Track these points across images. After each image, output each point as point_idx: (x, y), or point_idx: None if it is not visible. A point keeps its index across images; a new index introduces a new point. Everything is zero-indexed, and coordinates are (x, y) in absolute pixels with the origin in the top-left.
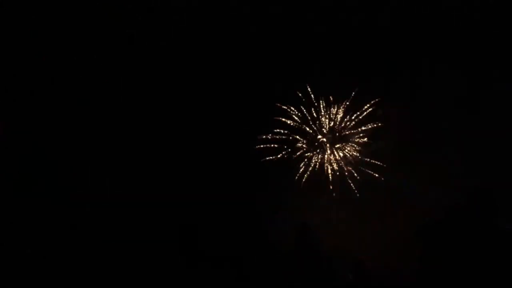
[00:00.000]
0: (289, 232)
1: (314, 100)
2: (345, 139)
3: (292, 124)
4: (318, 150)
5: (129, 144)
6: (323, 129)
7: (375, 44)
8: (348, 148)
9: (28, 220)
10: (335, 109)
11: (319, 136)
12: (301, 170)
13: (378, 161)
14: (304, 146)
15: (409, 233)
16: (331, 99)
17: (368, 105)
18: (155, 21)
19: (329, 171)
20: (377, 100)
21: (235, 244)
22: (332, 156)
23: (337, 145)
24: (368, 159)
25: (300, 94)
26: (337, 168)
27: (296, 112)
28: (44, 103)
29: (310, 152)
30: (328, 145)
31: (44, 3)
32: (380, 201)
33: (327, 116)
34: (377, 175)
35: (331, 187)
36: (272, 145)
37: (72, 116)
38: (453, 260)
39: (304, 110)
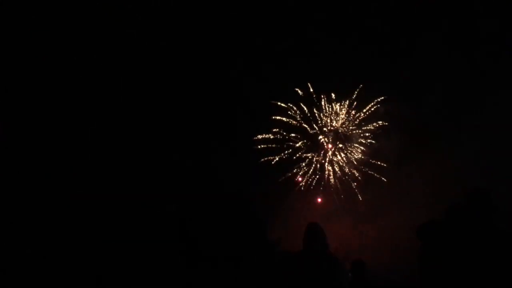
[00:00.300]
0: (289, 233)
1: (315, 98)
2: (347, 139)
3: (291, 123)
4: (319, 150)
5: (127, 144)
6: (324, 129)
7: (377, 41)
8: (350, 149)
9: (28, 220)
10: (337, 108)
11: (320, 136)
12: (301, 171)
13: (380, 162)
14: (304, 146)
15: (409, 233)
16: (333, 96)
17: (372, 103)
18: (155, 21)
19: (330, 172)
20: (383, 98)
21: (235, 244)
22: (333, 156)
23: (339, 145)
24: (370, 160)
25: (299, 92)
26: (338, 169)
27: (297, 111)
28: (44, 103)
29: (310, 153)
30: (329, 145)
31: (44, 3)
32: (380, 201)
33: (328, 115)
34: (379, 176)
35: (331, 188)
36: (271, 145)
37: (72, 116)
38: (453, 260)
39: (305, 109)
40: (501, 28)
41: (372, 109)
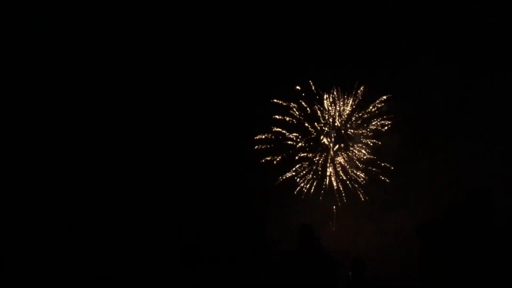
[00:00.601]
0: (289, 233)
1: (317, 97)
2: (349, 139)
3: (291, 122)
4: (320, 150)
5: (125, 143)
6: (326, 128)
7: (380, 38)
8: (352, 148)
9: (27, 219)
10: (339, 106)
11: (322, 136)
12: (302, 171)
13: (382, 162)
14: (305, 145)
15: (409, 233)
16: (335, 94)
17: (377, 101)
18: (154, 21)
19: (332, 172)
20: (389, 96)
21: (234, 244)
22: (335, 156)
23: (341, 145)
24: (373, 159)
25: (299, 88)
26: (340, 168)
27: (298, 110)
28: (44, 100)
29: (311, 153)
30: (331, 145)
31: (44, 2)
32: (381, 201)
33: (330, 114)
34: (381, 177)
35: (334, 188)
36: (271, 146)
37: (72, 115)
38: (453, 260)
39: (307, 108)
40: (503, 27)
41: (374, 108)
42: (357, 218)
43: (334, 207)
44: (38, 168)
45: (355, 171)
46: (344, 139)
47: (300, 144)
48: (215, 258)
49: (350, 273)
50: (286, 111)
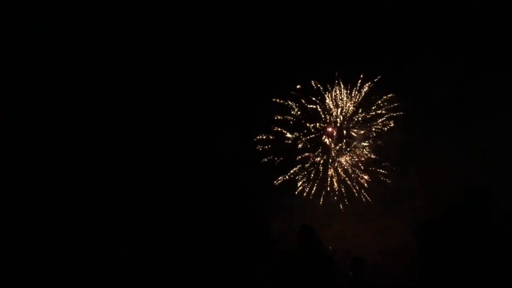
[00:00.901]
0: (289, 233)
1: (319, 96)
2: (351, 138)
3: (292, 122)
4: (322, 150)
5: (126, 143)
6: (329, 129)
7: (381, 38)
8: (353, 148)
9: (27, 219)
10: (342, 104)
11: (323, 137)
12: (303, 171)
13: (384, 162)
14: (306, 145)
15: (409, 233)
16: (338, 93)
17: (378, 101)
18: (154, 20)
19: (333, 173)
20: (390, 96)
21: (235, 243)
22: (336, 156)
23: (342, 145)
24: (375, 159)
25: (300, 88)
26: (341, 169)
27: (299, 109)
28: (44, 100)
29: (313, 152)
30: (332, 145)
31: (44, 2)
32: (381, 201)
33: (331, 113)
34: (382, 177)
35: (335, 188)
36: (272, 145)
37: (71, 115)
38: (452, 259)
39: (308, 107)
40: (503, 27)
41: (375, 107)
42: (357, 218)
43: (334, 206)
44: (38, 168)
45: (356, 171)
46: (345, 139)
47: (300, 144)
48: (216, 258)
49: (350, 273)
50: (286, 111)
